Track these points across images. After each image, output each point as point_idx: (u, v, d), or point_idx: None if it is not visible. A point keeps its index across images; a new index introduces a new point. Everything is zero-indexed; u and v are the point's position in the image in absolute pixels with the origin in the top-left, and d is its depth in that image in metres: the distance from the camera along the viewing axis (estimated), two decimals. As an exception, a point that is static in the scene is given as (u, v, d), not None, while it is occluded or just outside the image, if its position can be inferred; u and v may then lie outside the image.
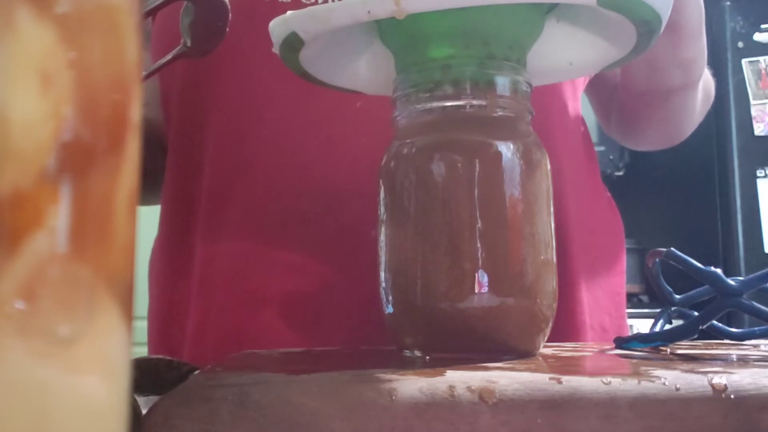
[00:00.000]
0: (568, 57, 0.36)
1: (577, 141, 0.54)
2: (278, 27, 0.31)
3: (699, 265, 0.30)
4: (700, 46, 0.53)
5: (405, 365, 0.27)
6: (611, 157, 2.11)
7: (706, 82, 0.64)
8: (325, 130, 0.45)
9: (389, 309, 0.31)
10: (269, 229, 0.46)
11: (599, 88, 0.66)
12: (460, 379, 0.22)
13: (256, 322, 0.45)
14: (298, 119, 0.46)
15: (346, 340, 0.42)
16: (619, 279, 0.55)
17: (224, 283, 0.46)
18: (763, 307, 0.30)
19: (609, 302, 0.53)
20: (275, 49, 0.33)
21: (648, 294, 2.02)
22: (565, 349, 0.33)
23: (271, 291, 0.45)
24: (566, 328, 0.46)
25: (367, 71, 0.37)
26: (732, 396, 0.22)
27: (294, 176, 0.45)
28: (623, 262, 0.57)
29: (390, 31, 0.33)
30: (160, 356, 0.32)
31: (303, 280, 0.45)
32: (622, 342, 0.33)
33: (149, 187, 0.57)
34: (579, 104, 0.56)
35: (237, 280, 0.46)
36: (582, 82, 0.56)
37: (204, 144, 0.48)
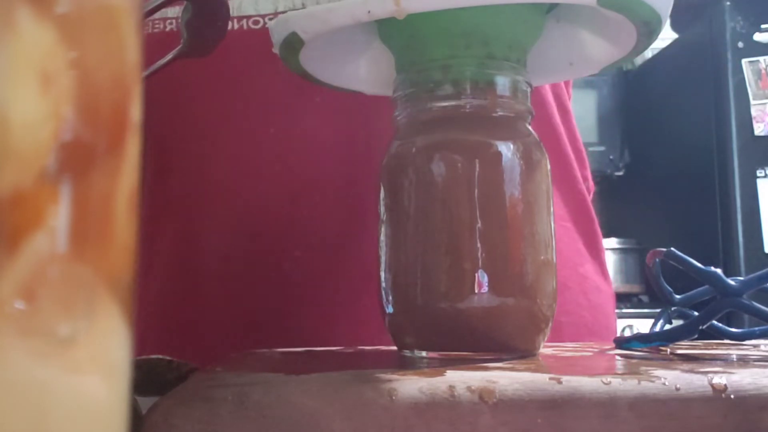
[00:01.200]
0: (568, 57, 0.36)
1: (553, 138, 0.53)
2: (278, 27, 0.31)
3: (699, 265, 0.30)
4: None
5: (405, 365, 0.27)
6: (611, 157, 2.11)
7: None
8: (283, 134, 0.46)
9: (389, 309, 0.31)
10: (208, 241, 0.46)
11: None
12: (460, 379, 0.22)
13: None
14: (255, 131, 0.46)
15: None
16: (600, 255, 0.54)
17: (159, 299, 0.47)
18: (763, 307, 0.30)
19: (599, 277, 0.53)
20: (275, 49, 0.33)
21: (648, 294, 2.02)
22: (565, 349, 0.33)
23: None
24: None
25: (367, 71, 0.37)
26: (732, 396, 0.22)
27: (256, 183, 0.46)
28: (602, 247, 0.56)
29: (390, 31, 0.33)
30: (160, 356, 0.32)
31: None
32: (622, 342, 0.33)
33: None
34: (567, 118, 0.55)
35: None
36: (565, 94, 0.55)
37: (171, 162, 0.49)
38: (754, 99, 1.71)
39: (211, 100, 0.46)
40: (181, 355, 0.33)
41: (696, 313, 0.31)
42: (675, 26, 1.85)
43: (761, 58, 1.72)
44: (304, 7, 0.44)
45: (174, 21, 0.46)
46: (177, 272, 0.47)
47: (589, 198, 0.56)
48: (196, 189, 0.47)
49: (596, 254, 0.55)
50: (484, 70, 0.31)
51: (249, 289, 0.45)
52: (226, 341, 0.44)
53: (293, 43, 0.31)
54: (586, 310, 0.52)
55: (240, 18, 0.46)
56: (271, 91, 0.45)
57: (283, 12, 0.45)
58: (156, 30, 0.46)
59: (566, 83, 0.55)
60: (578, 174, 0.55)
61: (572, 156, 0.54)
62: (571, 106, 0.54)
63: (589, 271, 0.54)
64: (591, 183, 0.58)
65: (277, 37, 0.32)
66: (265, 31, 0.45)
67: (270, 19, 0.45)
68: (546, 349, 0.32)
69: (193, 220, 0.47)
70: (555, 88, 0.52)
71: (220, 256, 0.46)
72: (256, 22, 0.46)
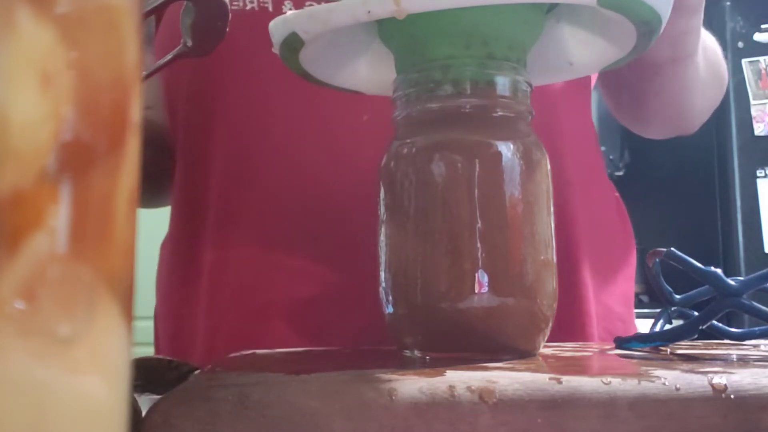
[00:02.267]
0: (568, 57, 0.36)
1: (586, 145, 0.54)
2: (278, 27, 0.31)
3: (699, 265, 0.30)
4: (693, 24, 0.52)
5: (405, 365, 0.27)
6: (611, 157, 2.11)
7: (714, 65, 0.61)
8: (332, 143, 0.46)
9: (389, 309, 0.31)
10: (277, 241, 0.46)
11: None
12: (460, 379, 0.22)
13: (265, 332, 0.45)
14: (305, 132, 0.46)
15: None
16: (630, 284, 0.55)
17: (233, 294, 0.46)
18: (763, 307, 0.30)
19: (622, 308, 0.53)
20: (275, 49, 0.33)
21: (648, 294, 2.02)
22: (565, 349, 0.33)
23: (280, 301, 0.45)
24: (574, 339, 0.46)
25: (367, 71, 0.37)
26: (732, 396, 0.22)
27: (301, 189, 0.46)
28: (633, 266, 0.56)
29: (390, 31, 0.33)
30: (160, 356, 0.32)
31: (311, 289, 0.45)
32: (622, 342, 0.33)
33: (158, 190, 0.57)
34: (589, 106, 0.55)
35: (246, 290, 0.46)
36: (589, 83, 0.56)
37: (211, 155, 0.49)
38: (754, 99, 1.71)
39: (298, 81, 0.47)
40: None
41: (696, 313, 0.31)
42: (675, 26, 1.85)
43: (761, 58, 1.72)
44: None
45: (255, 0, 0.46)
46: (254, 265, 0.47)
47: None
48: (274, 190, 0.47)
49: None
50: (484, 70, 0.30)
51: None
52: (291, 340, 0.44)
53: (293, 43, 0.31)
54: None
55: None
56: (323, 131, 0.45)
57: None
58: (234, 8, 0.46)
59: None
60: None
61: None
62: (571, 106, 0.55)
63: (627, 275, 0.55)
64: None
65: (277, 37, 0.32)
66: None
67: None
68: (546, 349, 0.32)
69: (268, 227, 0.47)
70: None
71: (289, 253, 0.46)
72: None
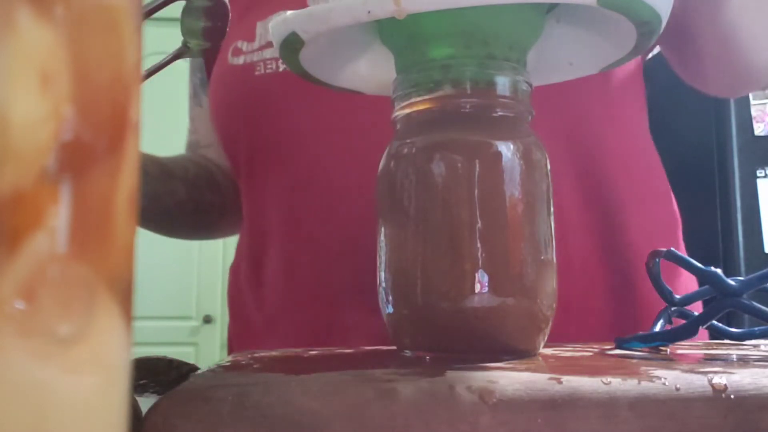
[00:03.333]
0: (568, 57, 0.36)
1: (640, 165, 0.54)
2: (278, 27, 0.31)
3: (699, 265, 0.30)
4: None
5: (405, 365, 0.27)
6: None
7: None
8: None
9: (389, 309, 0.31)
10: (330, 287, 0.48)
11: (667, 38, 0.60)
12: (460, 379, 0.22)
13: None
14: (341, 184, 0.49)
15: None
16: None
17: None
18: (763, 307, 0.30)
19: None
20: (275, 49, 0.33)
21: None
22: (565, 349, 0.33)
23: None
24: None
25: (367, 71, 0.37)
26: (732, 396, 0.22)
27: (344, 234, 0.48)
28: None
29: (390, 31, 0.33)
30: (160, 356, 0.32)
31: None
32: (622, 342, 0.33)
33: (206, 222, 0.60)
34: (643, 120, 0.55)
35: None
36: (641, 98, 0.56)
37: (267, 203, 0.52)
38: (754, 99, 1.71)
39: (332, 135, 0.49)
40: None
41: (696, 313, 0.31)
42: (675, 26, 1.85)
43: (761, 58, 1.71)
44: None
45: (274, 62, 0.49)
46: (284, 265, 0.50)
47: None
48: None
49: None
50: (484, 70, 0.31)
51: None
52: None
53: (293, 43, 0.31)
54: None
55: None
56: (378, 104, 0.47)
57: None
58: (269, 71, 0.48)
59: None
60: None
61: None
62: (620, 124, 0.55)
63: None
64: None
65: (278, 37, 0.32)
66: None
67: None
68: (546, 349, 0.32)
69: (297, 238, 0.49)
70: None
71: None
72: None
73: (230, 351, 0.59)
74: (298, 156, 0.50)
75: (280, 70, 0.49)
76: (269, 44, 0.50)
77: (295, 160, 0.50)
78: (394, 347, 0.32)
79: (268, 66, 0.49)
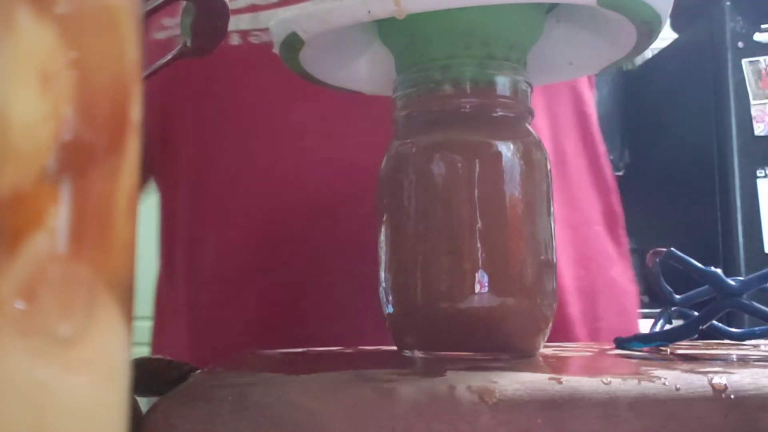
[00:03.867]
0: (568, 57, 0.36)
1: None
2: (278, 27, 0.31)
3: (699, 265, 0.30)
4: None
5: (405, 365, 0.27)
6: (611, 157, 2.11)
7: None
8: (329, 142, 0.46)
9: (389, 309, 0.31)
10: (262, 240, 0.47)
11: None
12: (460, 379, 0.22)
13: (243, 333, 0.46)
14: (253, 164, 0.47)
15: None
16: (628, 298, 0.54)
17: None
18: (763, 307, 0.30)
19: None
20: (275, 49, 0.33)
21: (648, 294, 2.02)
22: (565, 349, 0.33)
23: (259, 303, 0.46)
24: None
25: (367, 71, 0.37)
26: (732, 396, 0.22)
27: (268, 231, 0.46)
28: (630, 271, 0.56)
29: (390, 31, 0.33)
30: (160, 356, 0.32)
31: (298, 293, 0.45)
32: (622, 342, 0.33)
33: None
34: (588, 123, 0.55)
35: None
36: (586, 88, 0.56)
37: (177, 184, 0.50)
38: (754, 99, 1.71)
39: (251, 111, 0.47)
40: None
41: (696, 313, 0.31)
42: (675, 26, 1.85)
43: (761, 58, 1.72)
44: None
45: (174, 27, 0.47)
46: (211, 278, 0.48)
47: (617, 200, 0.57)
48: (231, 202, 0.48)
49: (623, 256, 0.55)
50: (484, 70, 0.30)
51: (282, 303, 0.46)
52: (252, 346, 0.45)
53: (293, 43, 0.31)
54: (617, 315, 0.52)
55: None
56: (307, 106, 0.46)
57: None
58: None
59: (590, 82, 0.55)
60: (611, 176, 0.55)
61: (605, 158, 0.55)
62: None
63: (618, 274, 0.54)
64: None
65: (277, 37, 0.32)
66: None
67: None
68: (546, 349, 0.32)
69: (229, 232, 0.48)
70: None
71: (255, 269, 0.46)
72: None
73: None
74: (204, 132, 0.49)
75: None
76: None
77: (205, 136, 0.49)
78: (394, 347, 0.32)
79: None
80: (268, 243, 0.46)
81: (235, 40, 0.47)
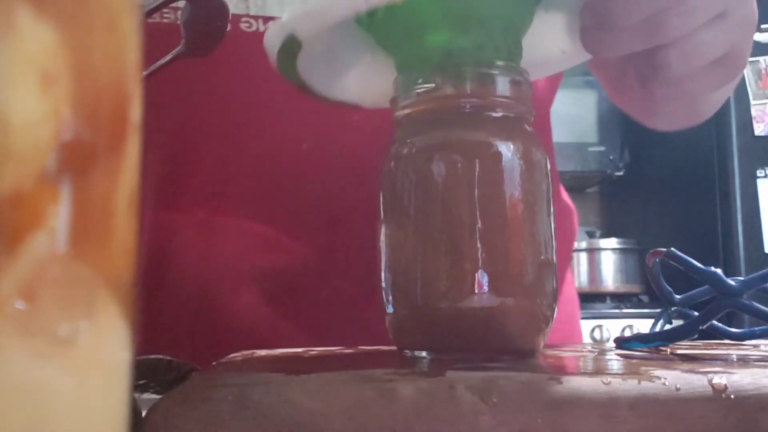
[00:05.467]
0: (560, 46, 0.36)
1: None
2: (273, 33, 0.31)
3: (699, 265, 0.30)
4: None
5: (405, 365, 0.27)
6: (611, 157, 2.11)
7: None
8: (268, 179, 0.45)
9: (389, 309, 0.31)
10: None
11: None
12: (460, 379, 0.22)
13: (228, 299, 0.45)
14: (235, 162, 0.45)
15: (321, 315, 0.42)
16: (568, 288, 0.54)
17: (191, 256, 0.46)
18: (763, 308, 0.30)
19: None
20: (271, 59, 0.32)
21: (648, 294, 2.02)
22: (565, 349, 0.33)
23: (245, 268, 0.45)
24: None
25: (364, 84, 0.37)
26: (732, 396, 0.22)
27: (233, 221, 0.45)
28: (569, 270, 0.55)
29: (387, 28, 0.33)
30: (160, 356, 0.32)
31: (279, 258, 0.44)
32: (622, 342, 0.33)
33: None
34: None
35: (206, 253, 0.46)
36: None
37: (200, 139, 0.48)
38: (754, 99, 1.71)
39: (235, 105, 0.46)
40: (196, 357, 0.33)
41: (696, 313, 0.31)
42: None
43: (761, 58, 1.72)
44: None
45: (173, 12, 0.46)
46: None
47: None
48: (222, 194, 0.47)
49: (569, 262, 0.55)
50: (484, 70, 0.31)
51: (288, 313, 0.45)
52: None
53: (291, 47, 0.31)
54: (564, 322, 0.52)
55: (266, 19, 0.45)
56: (300, 102, 0.45)
57: None
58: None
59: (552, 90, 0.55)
60: (556, 171, 0.54)
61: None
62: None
63: (567, 280, 0.54)
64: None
65: (273, 45, 0.31)
66: None
67: None
68: (546, 349, 0.32)
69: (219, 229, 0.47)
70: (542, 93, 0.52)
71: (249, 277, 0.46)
72: None
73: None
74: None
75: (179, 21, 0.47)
76: None
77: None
78: (394, 347, 0.32)
79: None
80: (263, 238, 0.46)
81: None
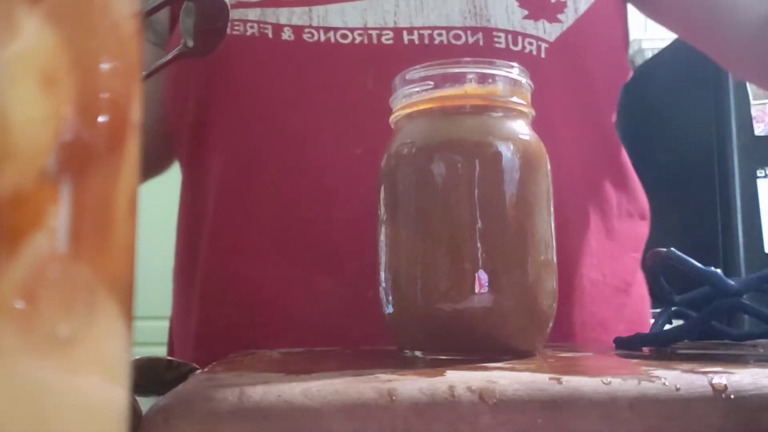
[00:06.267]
0: None
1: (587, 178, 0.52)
2: None
3: (699, 265, 0.30)
4: None
5: (405, 365, 0.27)
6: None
7: None
8: (324, 181, 0.46)
9: (389, 309, 0.31)
10: (272, 280, 0.46)
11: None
12: (460, 379, 0.22)
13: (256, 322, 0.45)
14: (298, 166, 0.46)
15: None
16: (638, 289, 0.54)
17: (225, 288, 0.47)
18: (763, 308, 0.30)
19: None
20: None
21: (648, 294, 2.01)
22: (565, 349, 0.33)
23: (273, 299, 0.45)
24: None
25: None
26: (732, 396, 0.22)
27: (294, 226, 0.46)
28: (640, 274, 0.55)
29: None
30: (160, 356, 0.32)
31: (309, 293, 0.45)
32: (622, 342, 0.33)
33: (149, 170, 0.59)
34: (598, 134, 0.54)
35: (239, 285, 0.46)
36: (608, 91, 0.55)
37: (211, 165, 0.49)
38: (754, 99, 1.71)
39: (295, 112, 0.47)
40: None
41: (696, 313, 0.31)
42: (675, 26, 1.85)
43: (761, 58, 1.71)
44: (395, 24, 0.45)
45: (255, 25, 0.46)
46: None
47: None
48: (254, 199, 0.47)
49: (638, 263, 0.55)
50: (484, 69, 0.31)
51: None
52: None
53: None
54: (638, 324, 0.52)
55: (327, 29, 0.46)
56: (358, 109, 0.45)
57: (373, 28, 0.45)
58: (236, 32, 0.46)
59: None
60: (645, 203, 0.55)
61: (636, 183, 0.55)
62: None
63: (638, 281, 0.54)
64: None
65: None
66: (354, 46, 0.45)
67: (359, 34, 0.45)
68: (546, 349, 0.32)
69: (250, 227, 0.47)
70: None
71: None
72: (344, 36, 0.46)
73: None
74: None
75: (248, 33, 0.48)
76: (239, 3, 0.48)
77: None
78: (394, 347, 0.32)
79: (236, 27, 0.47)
80: (286, 239, 0.46)
81: (286, 34, 0.46)
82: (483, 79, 0.31)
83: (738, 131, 1.71)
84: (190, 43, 0.37)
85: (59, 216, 0.13)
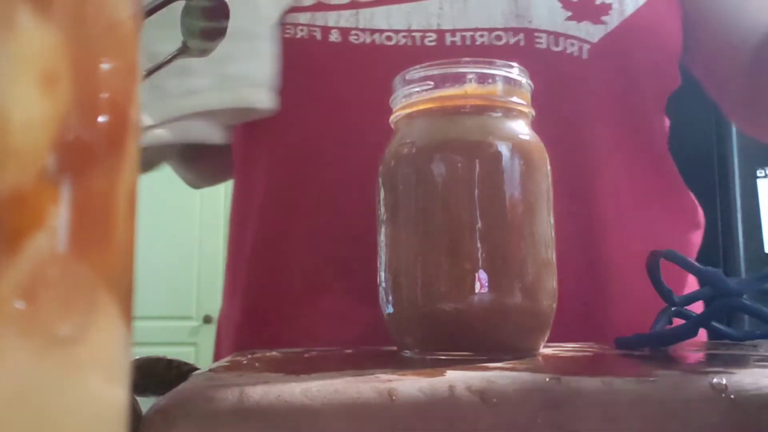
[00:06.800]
0: None
1: (630, 214, 0.52)
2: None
3: (699, 265, 0.30)
4: None
5: (405, 365, 0.27)
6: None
7: None
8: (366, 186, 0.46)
9: (389, 309, 0.31)
10: (313, 277, 0.47)
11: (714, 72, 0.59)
12: (460, 379, 0.22)
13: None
14: (344, 165, 0.47)
15: None
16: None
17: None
18: (763, 308, 0.30)
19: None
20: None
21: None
22: (565, 349, 0.33)
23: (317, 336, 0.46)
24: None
25: None
26: (732, 396, 0.22)
27: (338, 227, 0.47)
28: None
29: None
30: (160, 356, 0.32)
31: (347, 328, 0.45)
32: (622, 342, 0.33)
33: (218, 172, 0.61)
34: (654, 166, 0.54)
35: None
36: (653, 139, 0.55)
37: (257, 180, 0.51)
38: (754, 99, 1.71)
39: (341, 111, 0.47)
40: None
41: (696, 313, 0.31)
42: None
43: (761, 58, 1.71)
44: (439, 26, 0.45)
45: (305, 28, 0.47)
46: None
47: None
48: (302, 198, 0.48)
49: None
50: (484, 69, 0.31)
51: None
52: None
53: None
54: None
55: (372, 31, 0.46)
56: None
57: (417, 30, 0.46)
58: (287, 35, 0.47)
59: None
60: (698, 213, 0.56)
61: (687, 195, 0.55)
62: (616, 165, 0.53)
63: (688, 282, 0.54)
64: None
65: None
66: (398, 48, 0.45)
67: (403, 36, 0.45)
68: (546, 349, 0.32)
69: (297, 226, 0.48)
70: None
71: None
72: (389, 38, 0.46)
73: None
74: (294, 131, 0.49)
75: (298, 36, 0.48)
76: (292, 9, 0.48)
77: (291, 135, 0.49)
78: (394, 347, 0.32)
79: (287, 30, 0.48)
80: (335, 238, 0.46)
81: (334, 36, 0.46)
82: (483, 79, 0.31)
83: (738, 131, 1.71)
84: (190, 43, 0.37)
85: (59, 216, 0.13)
